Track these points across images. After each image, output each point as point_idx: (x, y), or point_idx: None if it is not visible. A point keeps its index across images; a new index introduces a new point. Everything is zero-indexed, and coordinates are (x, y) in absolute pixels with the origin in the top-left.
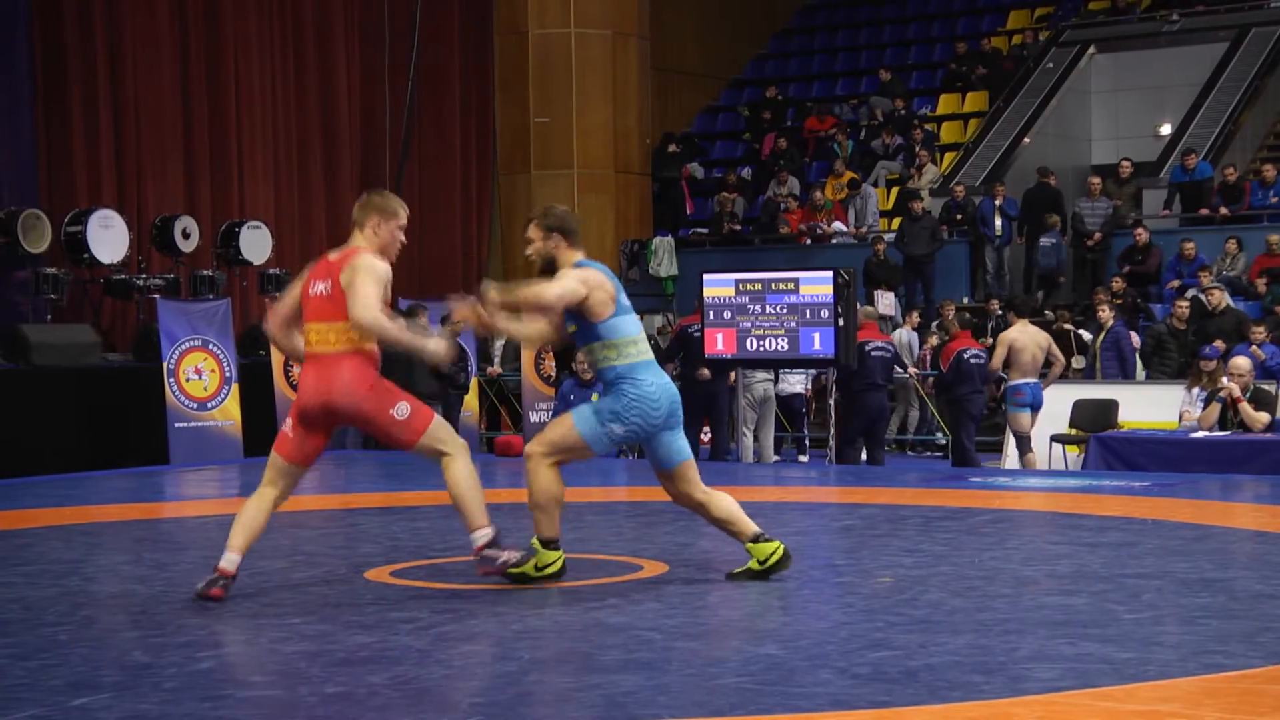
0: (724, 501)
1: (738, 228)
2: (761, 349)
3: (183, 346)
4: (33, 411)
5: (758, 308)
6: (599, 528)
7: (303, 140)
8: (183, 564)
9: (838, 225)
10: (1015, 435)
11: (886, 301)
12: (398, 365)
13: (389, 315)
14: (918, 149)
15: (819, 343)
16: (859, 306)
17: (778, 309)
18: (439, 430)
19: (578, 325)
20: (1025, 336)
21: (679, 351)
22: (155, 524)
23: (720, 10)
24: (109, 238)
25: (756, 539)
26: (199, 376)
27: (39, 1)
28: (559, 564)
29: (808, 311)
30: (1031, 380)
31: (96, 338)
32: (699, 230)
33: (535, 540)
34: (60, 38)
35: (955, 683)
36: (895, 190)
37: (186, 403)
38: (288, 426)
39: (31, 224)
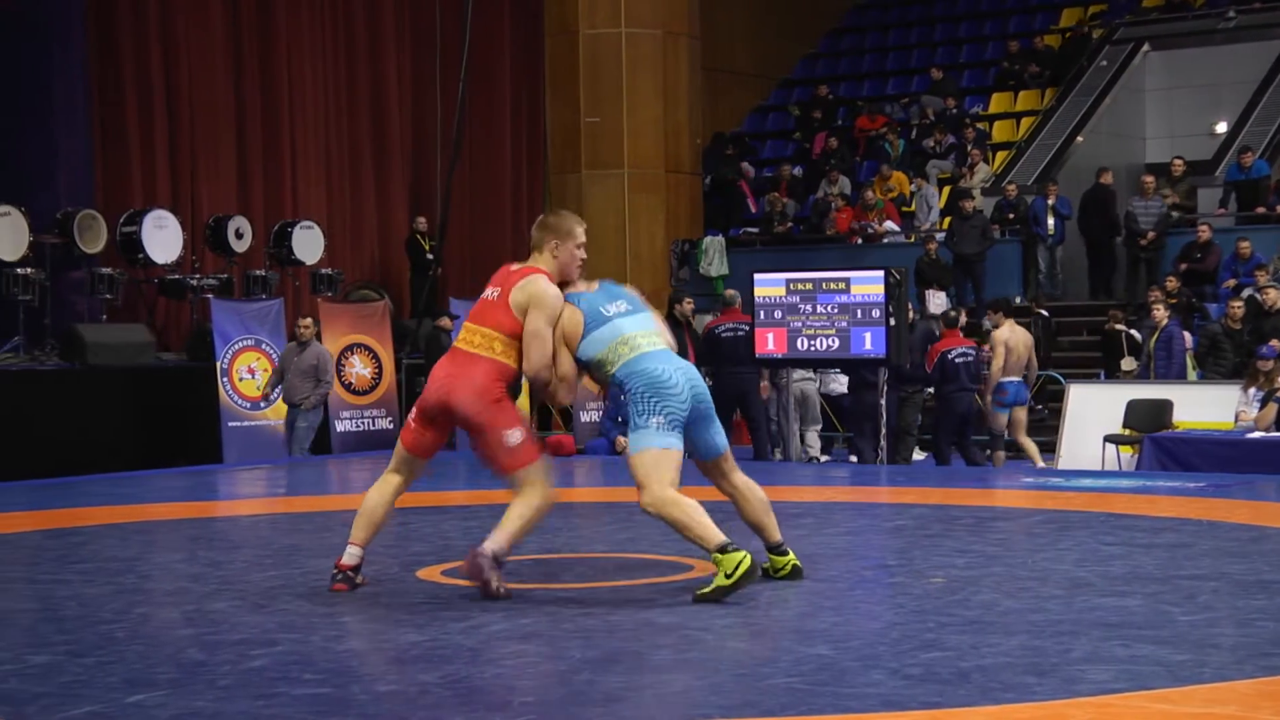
0: (754, 505)
1: (788, 227)
2: (812, 349)
3: (236, 346)
4: (88, 411)
5: (808, 307)
6: (649, 527)
7: (354, 140)
8: (236, 562)
9: (889, 225)
10: (990, 432)
11: (938, 301)
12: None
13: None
14: (969, 148)
15: (870, 342)
16: (945, 313)
17: (829, 309)
18: (539, 470)
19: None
20: (1016, 336)
21: (708, 353)
22: (209, 522)
23: (770, 9)
24: (163, 238)
25: (724, 549)
26: (252, 376)
27: (94, 5)
28: (745, 560)
29: (859, 311)
30: (1015, 379)
31: (151, 337)
32: (749, 230)
33: (714, 555)
34: (115, 41)
35: (1008, 684)
36: (946, 189)
37: (239, 402)
38: (412, 415)
39: (87, 225)
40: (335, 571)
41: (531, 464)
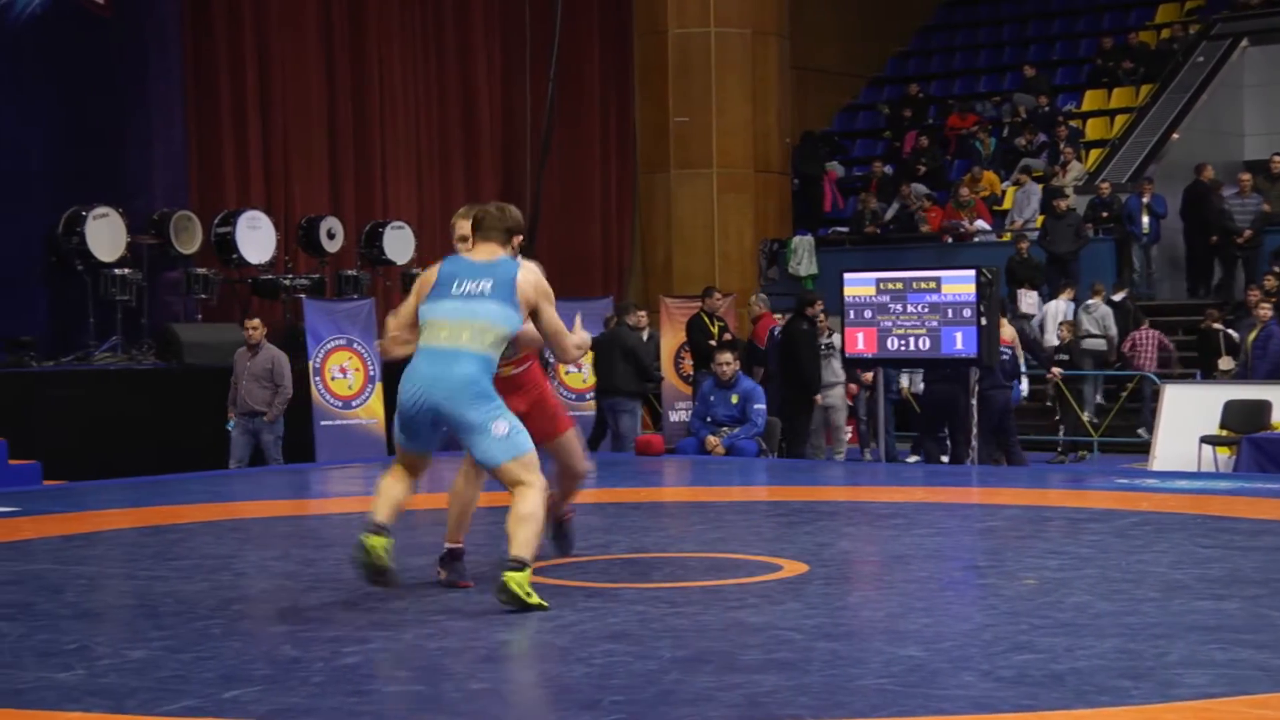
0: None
1: (879, 229)
2: (902, 348)
3: (328, 346)
4: (184, 409)
5: (899, 307)
6: (738, 528)
7: (444, 141)
8: (329, 560)
9: (980, 223)
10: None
11: (1030, 300)
12: (601, 362)
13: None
14: (1062, 146)
15: (961, 342)
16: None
17: (919, 308)
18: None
19: None
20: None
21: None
22: (302, 520)
23: (860, 8)
24: (256, 238)
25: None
26: (344, 375)
27: (191, 9)
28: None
29: (949, 310)
30: None
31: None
32: (839, 229)
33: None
34: (211, 45)
35: (1103, 687)
36: (1039, 188)
37: (331, 401)
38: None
39: (183, 225)
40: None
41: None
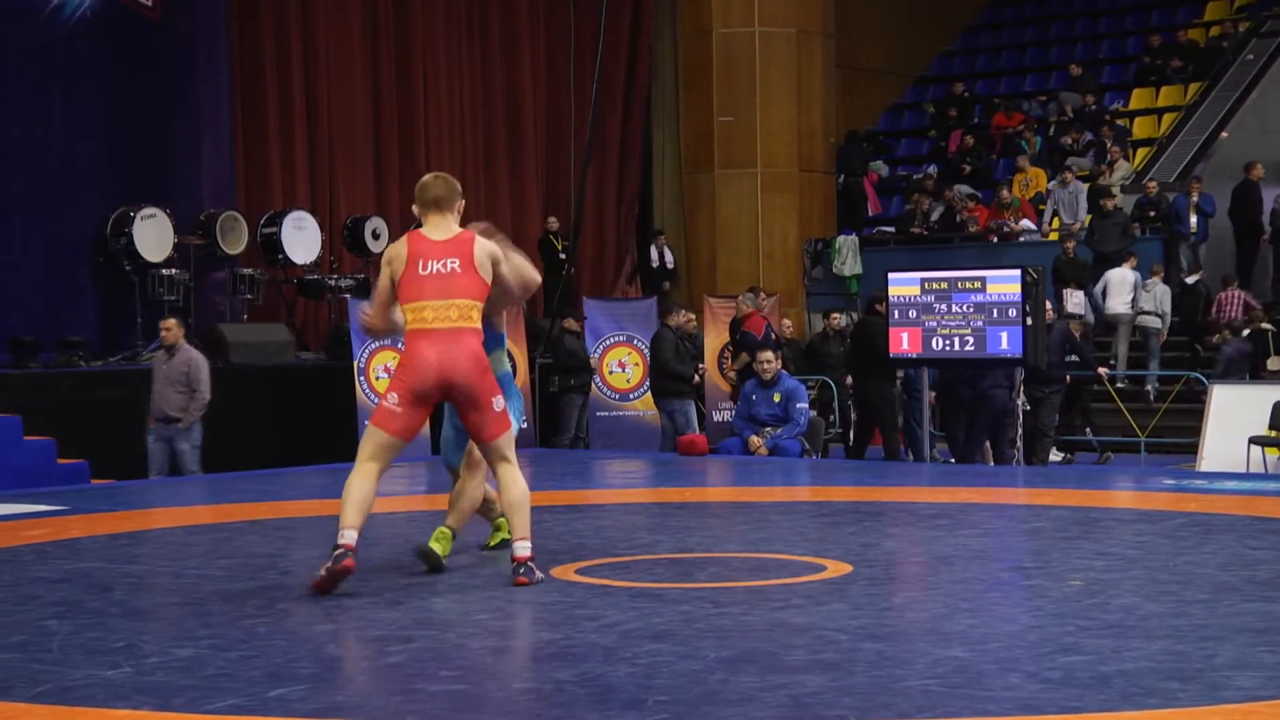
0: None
1: (924, 230)
2: (947, 348)
3: (372, 346)
4: (230, 409)
5: (943, 306)
6: (782, 528)
7: (489, 141)
8: (374, 559)
9: (1025, 223)
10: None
11: (1076, 300)
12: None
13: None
14: (1109, 145)
15: (1006, 342)
16: None
17: (964, 308)
18: (511, 441)
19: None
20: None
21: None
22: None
23: (906, 7)
24: (302, 239)
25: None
26: (388, 375)
27: (238, 12)
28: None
29: (995, 310)
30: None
31: (290, 337)
32: (884, 229)
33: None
34: (257, 48)
35: (1150, 689)
36: (1086, 187)
37: (376, 401)
38: (396, 402)
39: (229, 226)
40: (341, 550)
41: (508, 431)
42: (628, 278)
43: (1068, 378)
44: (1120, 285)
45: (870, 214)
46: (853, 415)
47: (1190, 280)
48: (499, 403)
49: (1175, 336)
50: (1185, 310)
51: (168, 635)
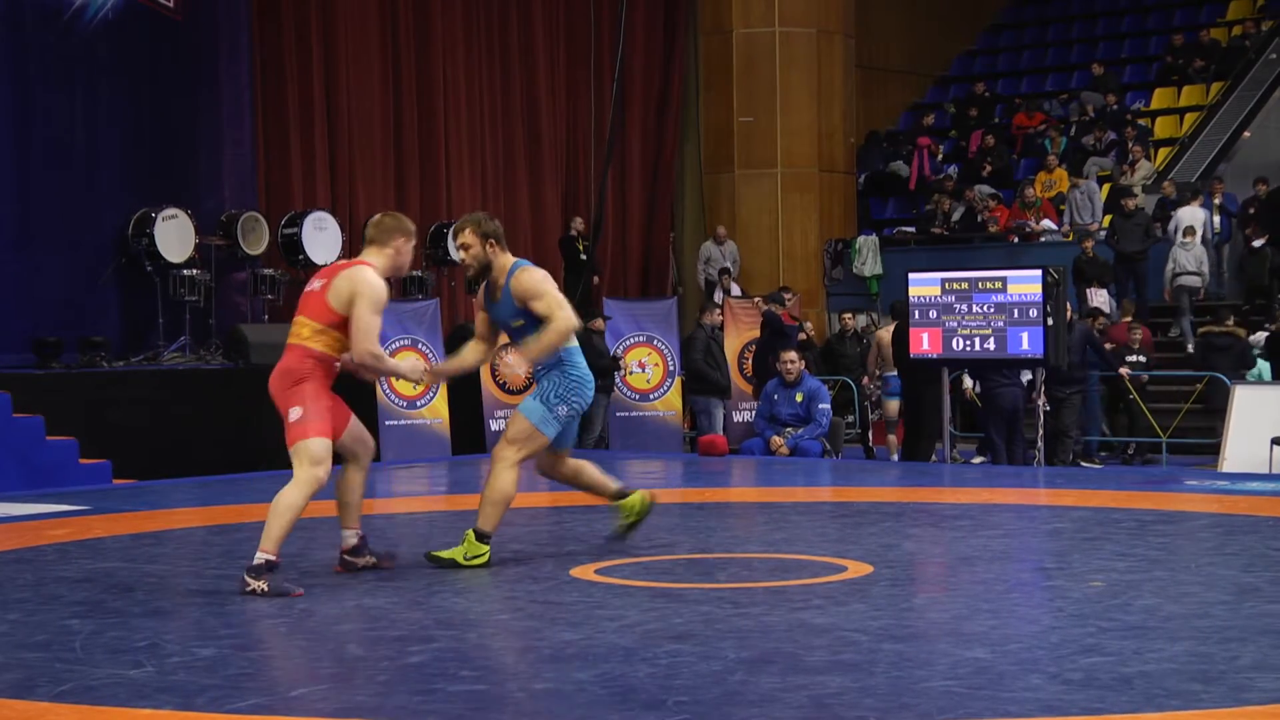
0: (590, 468)
1: (946, 231)
2: (968, 349)
3: (393, 346)
4: (251, 409)
5: (964, 307)
6: (803, 528)
7: (508, 142)
8: (396, 559)
9: (1046, 223)
10: (885, 419)
11: (1100, 298)
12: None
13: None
14: (1131, 144)
15: (1027, 342)
16: None
17: (985, 308)
18: (311, 449)
19: (525, 320)
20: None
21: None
22: (367, 520)
23: (926, 7)
24: (322, 239)
25: (621, 495)
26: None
27: (259, 13)
28: (486, 558)
29: (1015, 311)
30: (894, 373)
31: None
32: (904, 229)
33: (471, 531)
34: (279, 50)
35: (1173, 691)
36: (1106, 187)
37: (396, 401)
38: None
39: (251, 226)
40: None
41: (301, 440)
42: (672, 287)
43: (1099, 381)
44: (1192, 223)
45: (927, 174)
46: (871, 416)
47: (1257, 244)
48: (294, 414)
49: (1234, 302)
50: (1249, 274)
51: (190, 635)
